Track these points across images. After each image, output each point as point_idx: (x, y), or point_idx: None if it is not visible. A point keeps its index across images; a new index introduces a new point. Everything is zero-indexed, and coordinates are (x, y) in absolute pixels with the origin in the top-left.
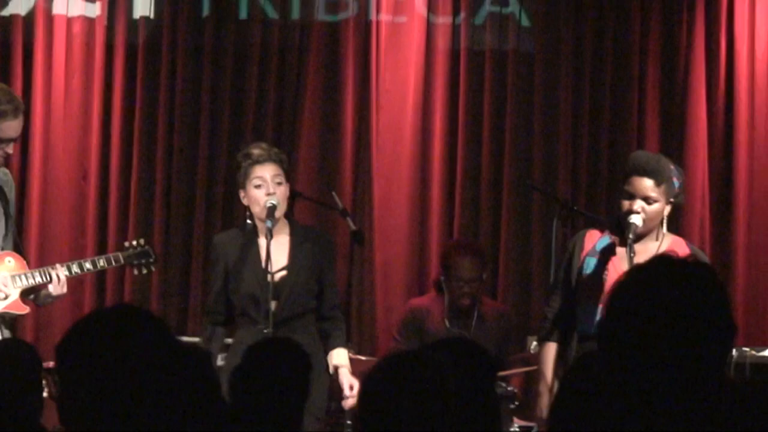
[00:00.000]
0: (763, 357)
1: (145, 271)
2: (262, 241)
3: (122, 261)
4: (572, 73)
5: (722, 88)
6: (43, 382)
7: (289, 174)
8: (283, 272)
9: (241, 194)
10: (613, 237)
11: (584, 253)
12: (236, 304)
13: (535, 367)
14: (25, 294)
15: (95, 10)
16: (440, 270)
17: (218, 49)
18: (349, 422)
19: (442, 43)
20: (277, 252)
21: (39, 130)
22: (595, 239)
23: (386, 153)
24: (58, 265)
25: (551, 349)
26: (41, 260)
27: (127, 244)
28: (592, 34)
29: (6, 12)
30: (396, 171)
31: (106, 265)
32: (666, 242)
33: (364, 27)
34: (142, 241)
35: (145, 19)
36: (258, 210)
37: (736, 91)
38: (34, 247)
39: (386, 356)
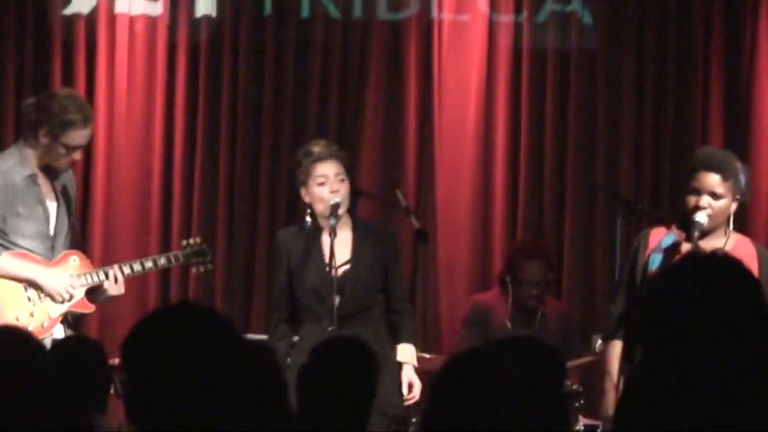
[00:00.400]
0: None
1: (202, 270)
2: (324, 238)
3: (182, 260)
4: (635, 71)
5: None
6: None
7: (350, 171)
8: (346, 267)
9: (303, 192)
10: (679, 234)
11: (649, 250)
12: (300, 299)
13: (590, 358)
14: (89, 292)
15: (157, 9)
16: (505, 269)
17: (280, 47)
18: (414, 420)
19: (504, 41)
20: (339, 248)
21: (102, 129)
22: (660, 236)
23: (449, 151)
24: (115, 265)
25: (616, 347)
26: (105, 260)
27: (185, 242)
28: (655, 32)
29: (68, 11)
30: (459, 169)
31: (166, 264)
32: (732, 240)
33: (426, 25)
34: (198, 240)
35: (207, 17)
36: (322, 208)
37: None
38: (98, 246)
39: (454, 355)
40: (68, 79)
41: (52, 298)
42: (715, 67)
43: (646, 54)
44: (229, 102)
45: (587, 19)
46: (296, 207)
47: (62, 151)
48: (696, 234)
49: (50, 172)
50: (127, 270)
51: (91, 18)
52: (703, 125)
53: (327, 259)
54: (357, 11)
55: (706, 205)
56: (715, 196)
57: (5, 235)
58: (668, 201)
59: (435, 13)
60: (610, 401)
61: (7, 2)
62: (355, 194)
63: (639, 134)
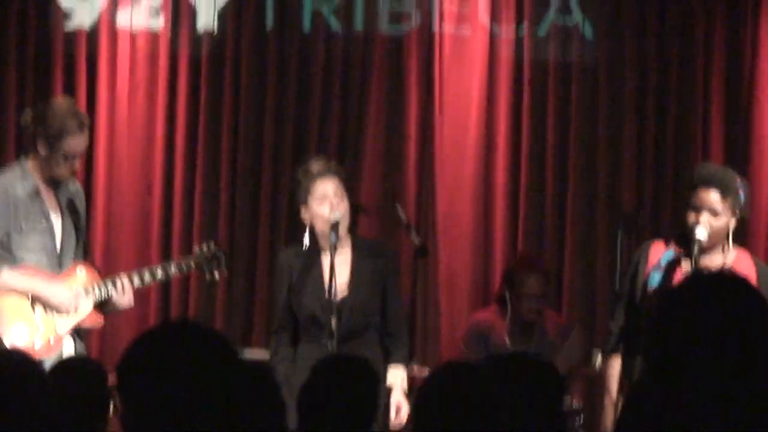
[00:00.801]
0: None
1: (216, 275)
2: (323, 259)
3: (193, 266)
4: (636, 83)
5: None
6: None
7: (350, 187)
8: (344, 291)
9: (303, 210)
10: (678, 250)
11: (649, 266)
12: (299, 320)
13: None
14: (98, 305)
15: (159, 24)
16: (503, 285)
17: (282, 62)
18: None
19: (505, 54)
20: (338, 268)
21: (103, 143)
22: (660, 252)
23: (450, 165)
24: (124, 274)
25: (616, 363)
26: (105, 273)
27: (197, 248)
28: (655, 44)
29: (70, 26)
30: (460, 183)
31: (177, 272)
32: (732, 256)
33: (428, 39)
34: (212, 244)
35: (209, 32)
36: (322, 225)
37: None
38: (98, 260)
39: (437, 368)
40: (70, 94)
41: (58, 311)
42: (715, 80)
43: (647, 66)
44: (230, 116)
45: (588, 31)
46: (297, 220)
47: (61, 159)
48: (696, 250)
49: (54, 185)
50: (137, 281)
51: (93, 33)
52: (704, 138)
53: (325, 282)
54: (358, 25)
55: (705, 222)
56: (715, 213)
57: (10, 251)
58: (670, 213)
59: (436, 27)
60: (609, 418)
61: (8, 17)
62: (355, 210)
63: (640, 147)
